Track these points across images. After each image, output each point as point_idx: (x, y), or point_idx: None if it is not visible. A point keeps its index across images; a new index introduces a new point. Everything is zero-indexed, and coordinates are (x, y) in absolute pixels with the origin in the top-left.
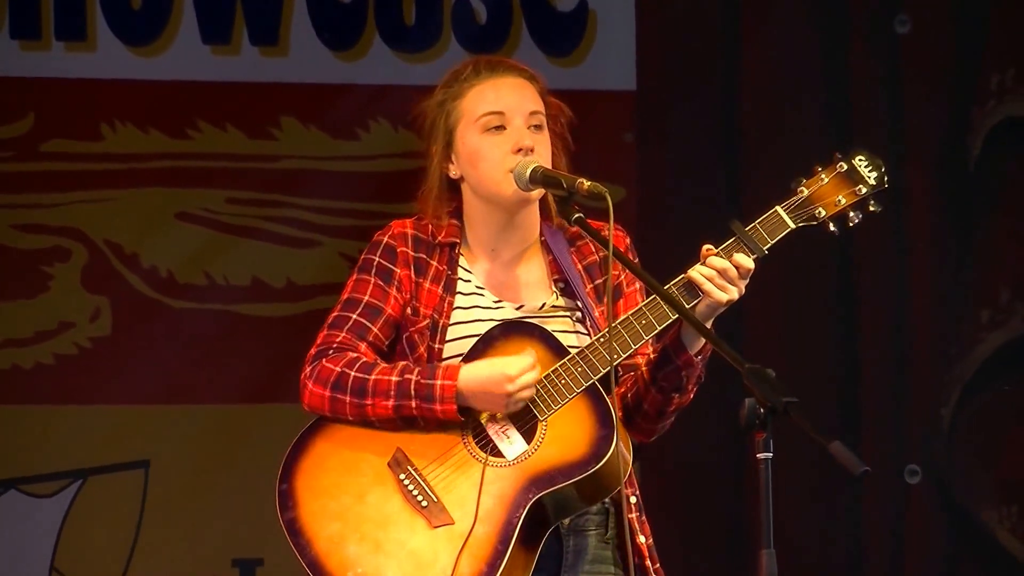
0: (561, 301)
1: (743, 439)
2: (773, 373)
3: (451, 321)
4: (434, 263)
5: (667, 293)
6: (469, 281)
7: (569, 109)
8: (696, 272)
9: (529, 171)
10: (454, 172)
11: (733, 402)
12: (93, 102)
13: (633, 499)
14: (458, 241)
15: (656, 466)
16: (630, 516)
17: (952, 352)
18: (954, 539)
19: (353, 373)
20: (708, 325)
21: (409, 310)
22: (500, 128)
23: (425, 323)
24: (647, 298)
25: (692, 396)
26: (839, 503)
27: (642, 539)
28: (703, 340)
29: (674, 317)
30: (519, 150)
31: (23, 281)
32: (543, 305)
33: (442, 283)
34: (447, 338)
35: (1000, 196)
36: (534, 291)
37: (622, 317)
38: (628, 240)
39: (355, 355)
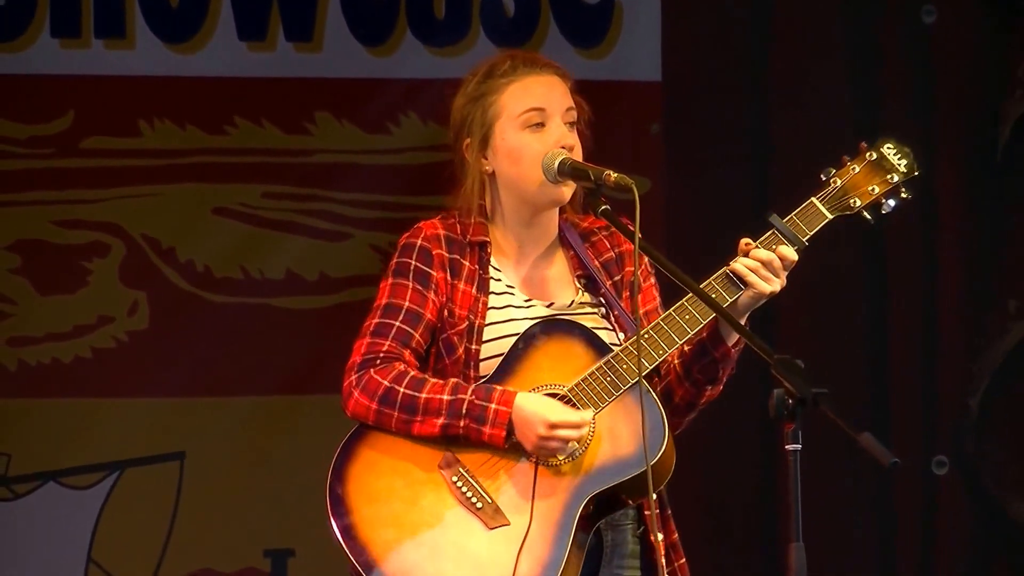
0: (587, 297)
1: (770, 431)
2: (802, 364)
3: (486, 321)
4: (466, 263)
5: (699, 288)
6: (500, 280)
7: (594, 101)
8: (740, 264)
9: (557, 163)
10: (488, 167)
11: (761, 393)
12: (132, 99)
13: (654, 496)
14: (488, 240)
15: (682, 460)
16: (647, 513)
17: (980, 342)
18: (983, 530)
19: (403, 390)
20: (745, 318)
21: (446, 312)
22: (540, 125)
23: (464, 325)
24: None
25: (722, 388)
26: (867, 495)
27: (660, 536)
28: (734, 335)
29: (707, 318)
30: (561, 148)
31: (63, 276)
32: (572, 302)
33: (475, 283)
34: (484, 339)
35: None
36: (561, 288)
37: (659, 318)
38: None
39: (403, 368)
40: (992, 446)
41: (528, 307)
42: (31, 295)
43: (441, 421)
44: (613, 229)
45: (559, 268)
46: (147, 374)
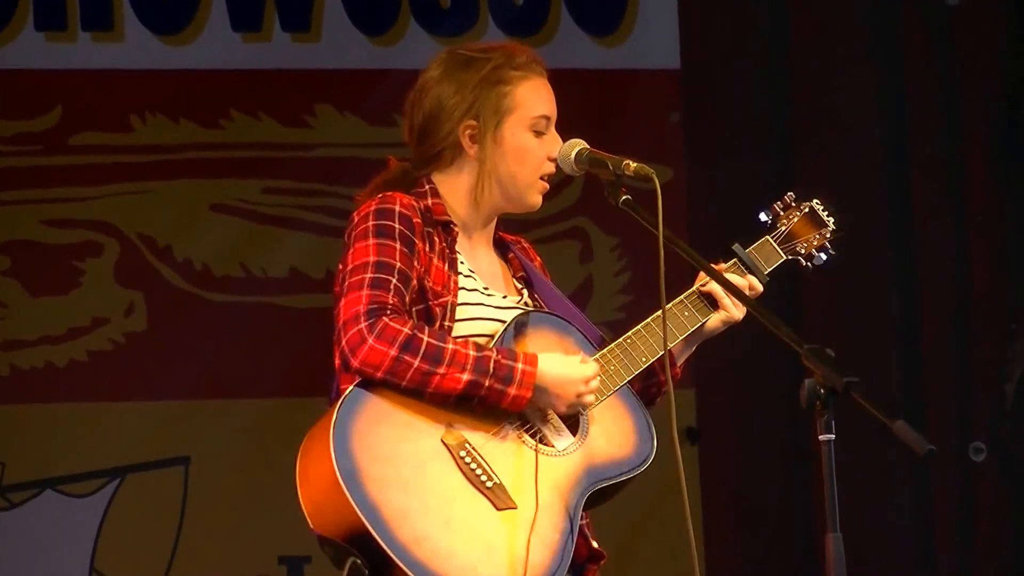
0: (528, 299)
1: (801, 421)
2: (833, 353)
3: (459, 301)
4: (437, 239)
5: (723, 278)
6: (464, 263)
7: (611, 90)
8: (716, 285)
9: (575, 152)
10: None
11: (790, 382)
12: (122, 93)
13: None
14: (452, 221)
15: (713, 451)
16: (582, 523)
17: (1013, 327)
18: (1022, 515)
19: (427, 338)
20: (694, 348)
21: (425, 283)
22: (542, 132)
23: (446, 299)
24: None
25: None
26: (904, 484)
27: (596, 544)
28: (685, 356)
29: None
30: (553, 159)
31: (55, 277)
32: (520, 300)
33: (447, 261)
34: (456, 318)
35: None
36: (506, 284)
37: (658, 313)
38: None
39: (416, 321)
40: None
41: (489, 296)
42: (22, 297)
43: (467, 377)
44: (525, 245)
45: (502, 267)
46: (146, 377)
